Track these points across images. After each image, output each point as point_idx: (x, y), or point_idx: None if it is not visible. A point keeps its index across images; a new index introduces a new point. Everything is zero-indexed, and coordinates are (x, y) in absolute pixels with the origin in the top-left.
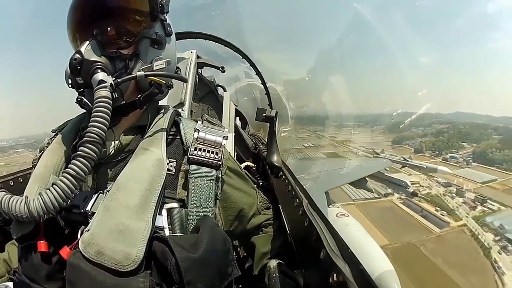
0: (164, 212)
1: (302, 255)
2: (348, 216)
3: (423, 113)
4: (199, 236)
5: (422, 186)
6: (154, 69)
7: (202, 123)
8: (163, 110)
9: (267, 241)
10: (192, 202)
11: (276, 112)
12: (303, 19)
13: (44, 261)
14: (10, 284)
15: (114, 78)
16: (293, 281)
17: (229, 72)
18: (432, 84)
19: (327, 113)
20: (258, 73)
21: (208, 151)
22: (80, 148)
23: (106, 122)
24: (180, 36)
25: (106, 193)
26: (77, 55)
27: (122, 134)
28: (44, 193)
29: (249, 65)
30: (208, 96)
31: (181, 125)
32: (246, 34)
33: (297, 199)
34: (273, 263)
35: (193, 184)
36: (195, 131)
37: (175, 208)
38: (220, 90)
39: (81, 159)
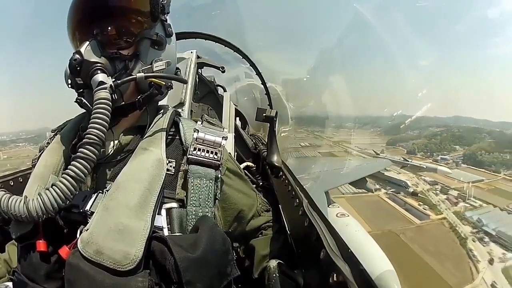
0: (163, 212)
1: (302, 255)
2: (348, 216)
3: (421, 116)
4: (198, 236)
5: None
6: (154, 70)
7: (201, 123)
8: (162, 110)
9: (267, 243)
10: (191, 202)
11: (276, 112)
12: (303, 19)
13: (43, 261)
14: (11, 284)
15: (113, 79)
16: (293, 281)
17: (229, 72)
18: (432, 85)
19: (327, 114)
20: (258, 73)
21: (208, 151)
22: (80, 149)
23: (106, 124)
24: (180, 36)
25: (105, 192)
26: (77, 56)
27: (122, 134)
28: (44, 194)
29: (249, 65)
30: (208, 96)
31: (180, 125)
32: (246, 34)
33: (297, 199)
34: (273, 263)
35: (192, 184)
36: (194, 131)
37: (174, 208)
38: (220, 90)
39: (81, 160)
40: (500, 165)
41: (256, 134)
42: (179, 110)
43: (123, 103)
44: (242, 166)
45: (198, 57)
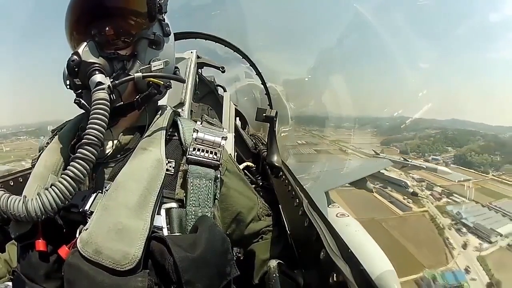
0: (162, 212)
1: (302, 255)
2: (348, 216)
3: (418, 118)
4: (198, 236)
5: None
6: (152, 69)
7: (201, 123)
8: (161, 110)
9: (267, 248)
10: (190, 202)
11: (276, 112)
12: (303, 19)
13: (42, 260)
14: (11, 284)
15: (112, 80)
16: (293, 281)
17: (229, 72)
18: (431, 84)
19: (327, 114)
20: (258, 73)
21: (207, 151)
22: (79, 150)
23: (104, 124)
24: (180, 36)
25: (104, 192)
26: (75, 57)
27: (121, 134)
28: (43, 194)
29: (249, 65)
30: (208, 96)
31: (180, 125)
32: (246, 34)
33: (297, 199)
34: (273, 263)
35: (191, 184)
36: (194, 131)
37: (173, 208)
38: (220, 90)
39: (80, 161)
40: (489, 166)
41: (256, 134)
42: (179, 110)
43: (122, 103)
44: (242, 166)
45: (198, 57)
